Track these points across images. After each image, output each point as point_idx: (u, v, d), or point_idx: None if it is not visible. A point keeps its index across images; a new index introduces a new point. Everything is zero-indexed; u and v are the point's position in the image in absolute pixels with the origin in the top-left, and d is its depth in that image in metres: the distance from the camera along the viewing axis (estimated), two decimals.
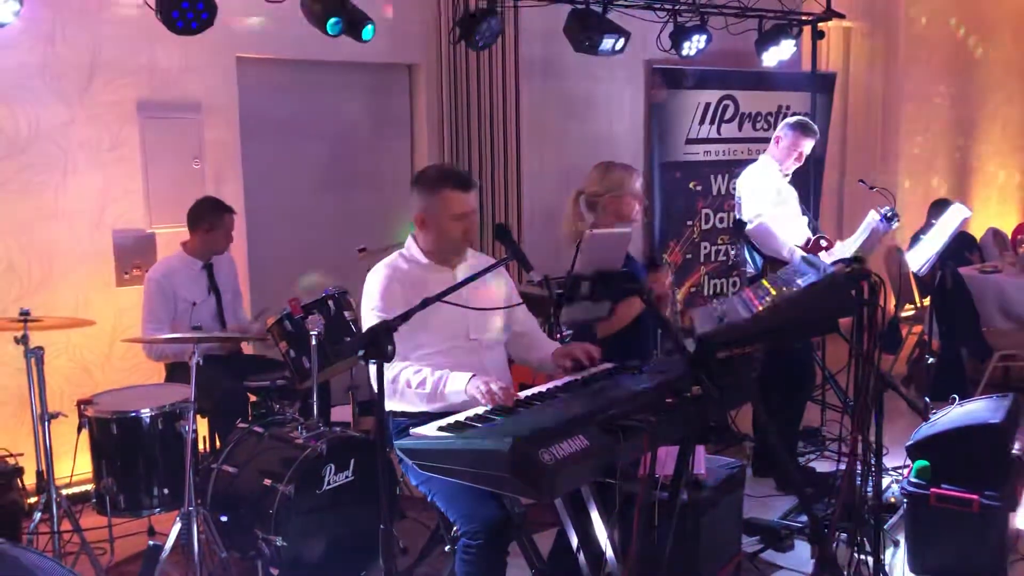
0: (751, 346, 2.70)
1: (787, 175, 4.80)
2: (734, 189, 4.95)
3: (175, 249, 4.60)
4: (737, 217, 4.81)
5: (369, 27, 4.72)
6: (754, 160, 4.95)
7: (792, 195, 4.83)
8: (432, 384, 2.87)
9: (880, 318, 3.00)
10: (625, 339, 3.52)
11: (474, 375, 2.82)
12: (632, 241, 3.53)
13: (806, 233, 4.78)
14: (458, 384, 2.82)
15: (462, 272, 3.13)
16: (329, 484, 3.51)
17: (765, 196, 4.66)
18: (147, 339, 4.28)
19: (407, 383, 2.90)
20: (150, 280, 4.43)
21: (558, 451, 2.17)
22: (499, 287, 3.25)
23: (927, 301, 6.43)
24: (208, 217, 4.47)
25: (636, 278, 3.45)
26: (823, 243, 4.60)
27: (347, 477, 3.57)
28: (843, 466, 3.13)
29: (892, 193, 5.32)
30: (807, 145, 4.73)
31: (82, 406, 3.73)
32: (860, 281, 2.97)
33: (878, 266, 6.74)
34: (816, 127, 4.85)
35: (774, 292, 2.90)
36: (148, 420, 3.71)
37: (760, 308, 2.79)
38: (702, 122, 6.93)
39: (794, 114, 5.38)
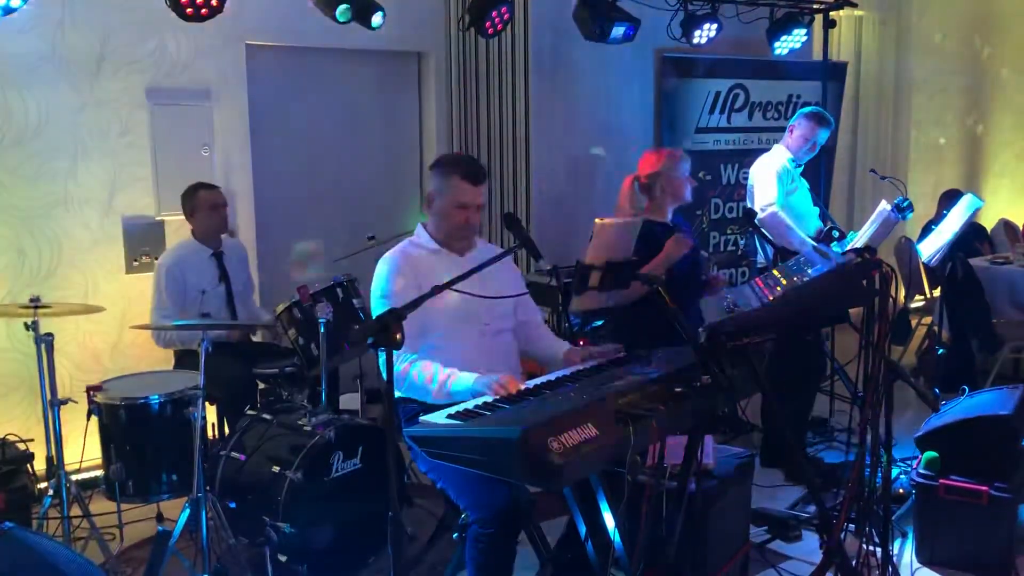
0: (761, 336, 2.69)
1: (800, 165, 4.78)
2: (744, 178, 4.94)
3: (184, 236, 4.61)
4: (748, 206, 4.80)
5: (378, 15, 4.71)
6: (764, 149, 4.93)
7: (803, 185, 4.81)
8: (439, 381, 2.88)
9: (892, 308, 2.99)
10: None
11: (479, 375, 2.83)
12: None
13: (817, 223, 4.77)
14: (464, 383, 2.83)
15: (471, 260, 3.13)
16: (337, 471, 3.52)
17: (777, 186, 4.64)
18: (156, 326, 4.29)
19: (415, 376, 2.91)
20: (160, 267, 4.45)
21: (567, 440, 2.17)
22: (509, 276, 3.26)
23: (937, 292, 6.40)
24: (186, 203, 4.52)
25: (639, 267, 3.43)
26: (835, 233, 4.58)
27: (355, 465, 3.58)
28: (852, 457, 3.12)
29: (903, 183, 5.29)
30: (822, 135, 4.73)
31: (91, 392, 3.74)
32: (871, 271, 2.96)
33: (888, 256, 6.71)
34: (831, 117, 4.84)
35: (785, 282, 2.89)
36: (157, 406, 3.71)
37: (771, 298, 2.78)
38: (712, 111, 6.91)
39: (807, 103, 5.36)
